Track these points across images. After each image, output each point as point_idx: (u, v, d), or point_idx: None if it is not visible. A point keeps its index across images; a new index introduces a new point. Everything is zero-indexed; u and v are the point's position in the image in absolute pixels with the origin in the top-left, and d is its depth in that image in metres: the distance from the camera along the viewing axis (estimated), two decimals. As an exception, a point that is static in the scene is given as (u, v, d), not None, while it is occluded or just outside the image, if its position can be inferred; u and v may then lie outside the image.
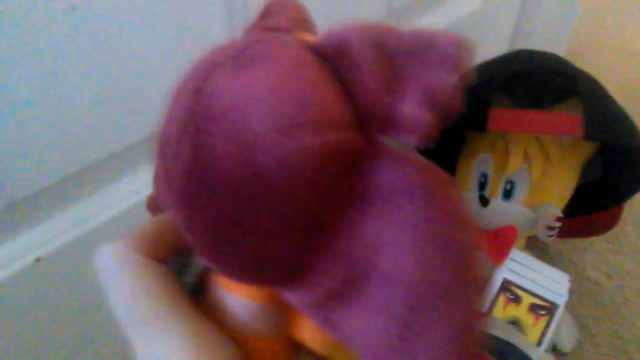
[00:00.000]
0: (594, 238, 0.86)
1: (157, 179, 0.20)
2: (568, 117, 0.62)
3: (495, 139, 0.69)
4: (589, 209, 0.73)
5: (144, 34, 0.39)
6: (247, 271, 0.18)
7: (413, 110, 0.17)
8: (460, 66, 0.18)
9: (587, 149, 0.68)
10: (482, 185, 0.71)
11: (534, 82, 0.70)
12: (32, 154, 0.38)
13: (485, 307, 0.67)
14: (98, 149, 0.41)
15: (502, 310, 0.67)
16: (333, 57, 0.18)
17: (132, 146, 0.43)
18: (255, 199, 0.16)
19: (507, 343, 0.58)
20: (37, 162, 0.38)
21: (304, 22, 0.22)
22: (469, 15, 0.78)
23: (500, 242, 0.69)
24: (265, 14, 0.22)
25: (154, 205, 0.24)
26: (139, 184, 0.45)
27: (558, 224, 0.67)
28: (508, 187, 0.68)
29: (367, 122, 0.18)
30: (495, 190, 0.69)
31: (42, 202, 0.40)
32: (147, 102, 0.42)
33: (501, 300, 0.67)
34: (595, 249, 0.85)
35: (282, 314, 0.21)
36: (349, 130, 0.17)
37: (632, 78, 1.23)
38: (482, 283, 0.19)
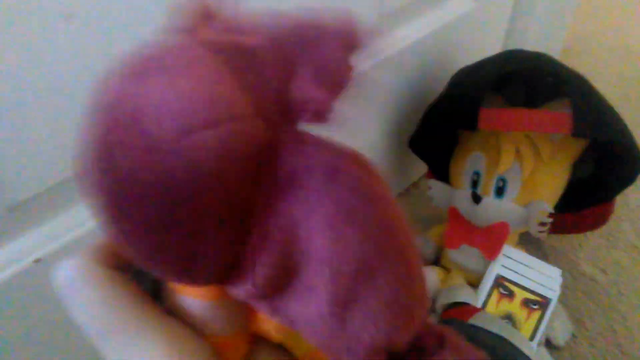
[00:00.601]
0: (588, 234, 0.87)
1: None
2: (557, 114, 0.64)
3: (487, 138, 0.71)
4: (581, 205, 0.75)
5: (142, 40, 0.41)
6: (186, 272, 0.18)
7: (305, 90, 0.18)
8: (350, 42, 0.18)
9: (578, 146, 0.70)
10: (474, 183, 0.72)
11: (525, 81, 0.72)
12: (32, 157, 0.39)
13: (479, 303, 0.68)
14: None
15: (496, 306, 0.68)
16: (230, 52, 0.18)
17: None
18: (172, 201, 0.17)
19: (501, 338, 0.59)
20: (37, 165, 0.40)
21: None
22: (462, 17, 0.79)
23: (492, 238, 0.70)
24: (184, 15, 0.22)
25: None
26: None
27: (549, 220, 0.68)
28: (500, 184, 0.70)
29: (269, 110, 0.18)
30: (487, 188, 0.71)
31: (42, 204, 0.42)
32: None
33: (495, 295, 0.68)
34: (590, 245, 0.86)
35: (238, 308, 0.21)
36: (248, 121, 0.17)
37: (628, 76, 1.25)
38: (412, 252, 0.19)
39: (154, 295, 0.22)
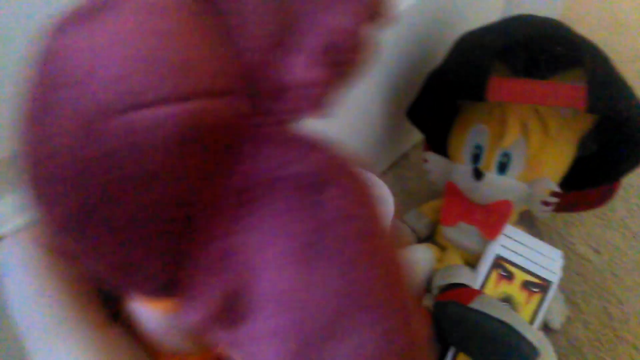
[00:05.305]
0: (582, 212, 0.84)
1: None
2: (570, 87, 0.59)
3: (491, 110, 0.66)
4: (585, 184, 0.71)
5: None
6: (118, 278, 0.15)
7: (304, 69, 0.13)
8: (368, 9, 0.14)
9: (586, 122, 0.66)
10: (475, 157, 0.68)
11: (533, 50, 0.67)
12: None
13: (477, 284, 0.65)
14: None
15: (494, 287, 0.65)
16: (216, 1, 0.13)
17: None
18: (108, 188, 0.12)
19: (501, 322, 0.56)
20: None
21: None
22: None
23: (494, 217, 0.66)
24: None
25: None
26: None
27: (554, 200, 0.64)
28: (504, 160, 0.65)
29: (255, 86, 0.13)
30: (490, 163, 0.66)
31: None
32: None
33: (493, 277, 0.65)
34: (584, 224, 0.84)
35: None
36: (225, 98, 0.13)
37: (618, 50, 1.21)
38: (406, 298, 0.14)
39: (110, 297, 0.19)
